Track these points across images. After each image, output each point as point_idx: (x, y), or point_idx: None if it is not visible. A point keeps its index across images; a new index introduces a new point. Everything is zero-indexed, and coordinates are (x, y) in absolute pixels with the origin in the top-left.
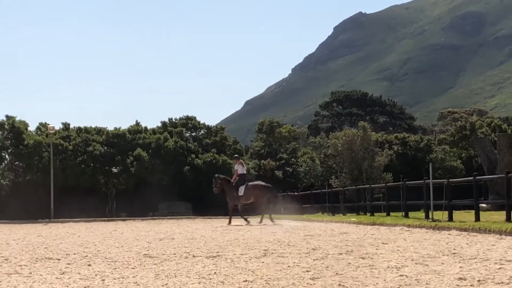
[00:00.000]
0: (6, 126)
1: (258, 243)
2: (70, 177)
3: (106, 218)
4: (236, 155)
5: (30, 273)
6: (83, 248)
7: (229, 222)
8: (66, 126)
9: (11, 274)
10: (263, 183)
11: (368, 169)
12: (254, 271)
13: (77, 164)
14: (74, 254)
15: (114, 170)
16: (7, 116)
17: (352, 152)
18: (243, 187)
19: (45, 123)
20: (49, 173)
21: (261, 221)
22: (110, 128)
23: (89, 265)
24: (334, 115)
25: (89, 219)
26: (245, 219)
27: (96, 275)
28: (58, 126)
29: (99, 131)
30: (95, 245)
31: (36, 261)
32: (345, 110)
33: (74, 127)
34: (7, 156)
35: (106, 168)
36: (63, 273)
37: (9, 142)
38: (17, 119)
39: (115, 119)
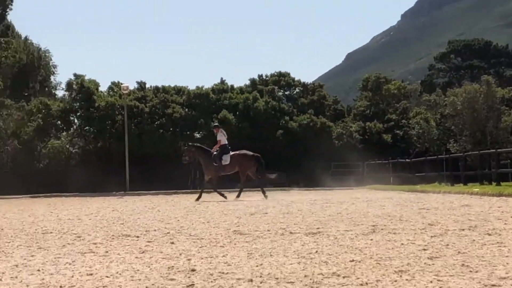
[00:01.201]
0: (74, 86)
1: (365, 218)
2: (146, 144)
3: (188, 190)
4: (216, 124)
5: (107, 252)
6: (164, 224)
7: (223, 196)
8: (141, 85)
9: (85, 253)
10: (249, 152)
11: (493, 131)
12: (362, 249)
13: (154, 129)
14: (155, 230)
15: (197, 135)
16: (75, 75)
17: (473, 112)
18: (228, 156)
19: (118, 82)
20: (123, 139)
21: (238, 195)
22: (191, 87)
23: (172, 243)
24: (452, 68)
25: (169, 192)
26: (222, 194)
27: (180, 254)
28: (132, 85)
29: (179, 90)
30: (178, 220)
31: (112, 238)
32: (464, 63)
33: (151, 86)
34: (76, 120)
35: (187, 132)
36: (143, 252)
37: (78, 104)
38: (86, 78)
39: (197, 77)
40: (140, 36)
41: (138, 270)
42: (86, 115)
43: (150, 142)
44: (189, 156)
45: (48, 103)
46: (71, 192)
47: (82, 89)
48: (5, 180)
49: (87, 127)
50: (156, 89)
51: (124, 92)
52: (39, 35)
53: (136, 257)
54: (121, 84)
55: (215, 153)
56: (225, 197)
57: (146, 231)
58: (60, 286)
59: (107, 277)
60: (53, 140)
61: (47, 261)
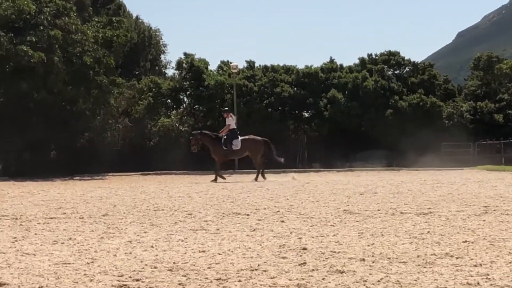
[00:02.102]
0: (184, 65)
1: (477, 199)
2: (255, 122)
3: (297, 169)
4: (226, 108)
5: (218, 229)
6: (273, 202)
7: (215, 179)
8: (250, 64)
9: (196, 230)
10: (258, 137)
11: None
12: (474, 230)
13: (263, 108)
14: (264, 209)
15: (305, 114)
16: (185, 54)
17: None
18: (238, 141)
19: (227, 61)
20: None
21: (257, 178)
22: (300, 66)
23: (282, 221)
24: None
25: (277, 170)
26: (223, 177)
27: (291, 232)
28: (241, 64)
29: (288, 70)
30: (287, 199)
31: (223, 216)
32: None
33: (260, 65)
34: (185, 99)
35: (296, 112)
36: (254, 230)
37: (187, 83)
38: (196, 57)
39: (306, 56)
40: (249, 15)
41: (249, 248)
42: (196, 93)
43: (259, 121)
44: (197, 144)
45: (158, 82)
46: (181, 170)
47: (192, 68)
48: (116, 158)
49: (196, 106)
50: (265, 68)
51: (233, 71)
52: (149, 15)
53: (247, 235)
54: (230, 63)
55: (224, 137)
56: (224, 178)
57: (256, 209)
58: (174, 263)
59: (219, 254)
60: (163, 118)
61: (159, 238)
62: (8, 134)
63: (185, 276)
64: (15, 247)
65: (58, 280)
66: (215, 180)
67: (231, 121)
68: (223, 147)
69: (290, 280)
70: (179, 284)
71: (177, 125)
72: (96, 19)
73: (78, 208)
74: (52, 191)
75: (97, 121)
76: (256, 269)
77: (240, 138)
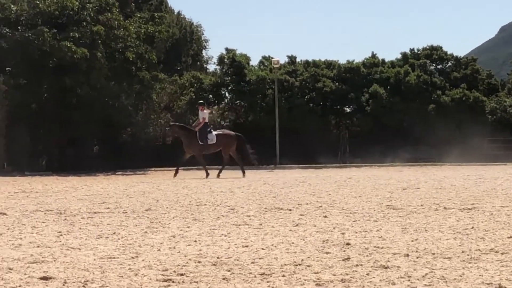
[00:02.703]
0: (226, 60)
1: None
2: (296, 118)
3: (338, 164)
4: (201, 102)
5: (260, 224)
6: (315, 197)
7: (207, 175)
8: (292, 59)
9: (239, 225)
10: (231, 132)
11: None
12: None
13: (304, 103)
14: (307, 204)
15: (347, 109)
16: (226, 49)
17: None
18: (213, 135)
19: (269, 56)
20: (273, 113)
21: (219, 173)
22: (342, 61)
23: (325, 216)
24: None
25: (318, 165)
26: (207, 171)
27: (334, 228)
28: (283, 59)
29: (329, 64)
30: (329, 194)
31: (265, 211)
32: None
33: (301, 60)
34: (227, 94)
35: (338, 107)
36: (296, 225)
37: (229, 78)
38: (237, 52)
39: (347, 51)
40: (290, 10)
41: (293, 242)
42: (237, 89)
43: (300, 116)
44: (173, 135)
45: (200, 77)
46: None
47: (233, 63)
48: (158, 152)
49: (237, 101)
50: (307, 63)
51: (275, 66)
52: (191, 10)
53: (290, 230)
54: (272, 58)
55: (197, 130)
56: (208, 174)
57: (298, 204)
58: (217, 257)
59: (262, 249)
60: None
61: (203, 232)
62: (51, 129)
63: (229, 271)
64: (60, 241)
65: (103, 274)
66: (207, 176)
67: (206, 115)
68: (199, 142)
69: (334, 275)
70: (223, 278)
71: (219, 120)
72: (138, 15)
73: (121, 203)
74: (95, 186)
75: (139, 116)
76: (299, 264)
77: (214, 132)
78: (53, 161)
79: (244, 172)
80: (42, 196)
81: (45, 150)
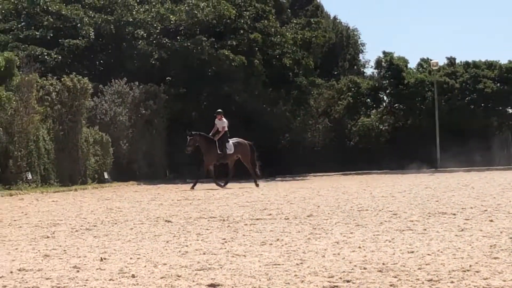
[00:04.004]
0: (383, 63)
1: None
2: (457, 120)
3: (501, 167)
4: (219, 110)
5: (425, 229)
6: (480, 201)
7: (218, 184)
8: (451, 61)
9: (403, 230)
10: (244, 140)
11: None
12: None
13: (465, 105)
14: (471, 208)
15: (509, 110)
16: (384, 53)
17: None
18: (231, 144)
19: (427, 58)
20: (433, 116)
21: (256, 183)
22: (503, 61)
23: (491, 220)
24: None
25: (481, 168)
26: (218, 184)
27: (501, 232)
28: (442, 61)
29: (490, 65)
30: (494, 197)
31: (429, 216)
32: None
33: (461, 61)
34: (385, 98)
35: (500, 108)
36: (462, 230)
37: (387, 81)
38: (395, 55)
39: (509, 51)
40: (448, 11)
41: (459, 248)
42: (396, 92)
43: (461, 118)
44: (193, 145)
45: (357, 81)
46: (381, 170)
47: (391, 66)
48: (316, 158)
49: (396, 104)
50: (467, 64)
51: (434, 68)
52: (347, 14)
53: (456, 235)
54: (430, 60)
55: (217, 140)
56: (222, 186)
57: (462, 208)
58: (383, 263)
59: (428, 254)
60: (363, 117)
61: (366, 238)
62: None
63: (395, 277)
64: (225, 248)
65: (269, 281)
66: (223, 185)
67: (225, 123)
68: (218, 151)
69: (505, 281)
70: (391, 285)
71: (377, 124)
72: (294, 21)
73: (283, 209)
74: (256, 192)
75: (297, 122)
76: (468, 270)
77: (231, 141)
78: (214, 167)
79: (257, 183)
80: (204, 203)
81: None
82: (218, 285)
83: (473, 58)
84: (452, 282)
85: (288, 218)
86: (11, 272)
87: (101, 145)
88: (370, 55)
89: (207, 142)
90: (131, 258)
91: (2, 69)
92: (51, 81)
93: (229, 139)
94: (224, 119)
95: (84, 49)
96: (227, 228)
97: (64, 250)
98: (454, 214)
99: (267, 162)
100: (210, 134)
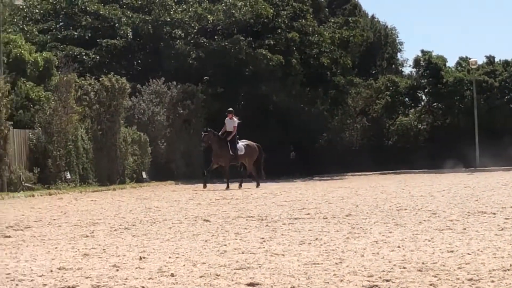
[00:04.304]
0: (421, 62)
1: None
2: (496, 119)
3: None
4: (230, 109)
5: (464, 228)
6: None
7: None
8: (490, 59)
9: (442, 230)
10: (254, 143)
11: None
12: None
13: (504, 103)
14: (511, 207)
15: None
16: (422, 52)
17: None
18: (241, 146)
19: (466, 57)
20: (471, 115)
21: (258, 184)
22: None
23: None
24: None
25: None
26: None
27: None
28: (480, 60)
29: None
30: None
31: (468, 215)
32: None
33: (500, 60)
34: (423, 97)
35: None
36: (502, 229)
37: (425, 80)
38: (433, 54)
39: None
40: (487, 9)
41: (499, 247)
42: (434, 91)
43: (501, 117)
44: (207, 142)
45: (395, 80)
46: (420, 169)
47: (429, 65)
48: (354, 157)
49: (435, 104)
50: (506, 63)
51: (473, 67)
52: (385, 13)
53: (496, 234)
54: (469, 59)
55: (229, 141)
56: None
57: (502, 207)
58: (422, 263)
59: (468, 254)
60: (401, 117)
61: (405, 238)
62: (248, 136)
63: (435, 276)
64: (264, 247)
65: (308, 280)
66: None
67: (236, 123)
68: (230, 152)
69: None
70: (430, 284)
71: (415, 123)
72: (332, 20)
73: (321, 208)
74: (293, 191)
75: (335, 122)
76: (508, 269)
77: (240, 143)
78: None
79: (258, 184)
80: (242, 203)
81: None
82: (257, 284)
83: None
84: (492, 281)
85: (326, 218)
86: (51, 270)
87: (139, 145)
88: (408, 54)
89: (220, 142)
90: (170, 257)
91: (41, 69)
92: (90, 81)
93: (238, 141)
94: (235, 118)
95: (122, 49)
96: (265, 227)
97: (103, 249)
98: (494, 213)
99: (305, 162)
100: (220, 133)
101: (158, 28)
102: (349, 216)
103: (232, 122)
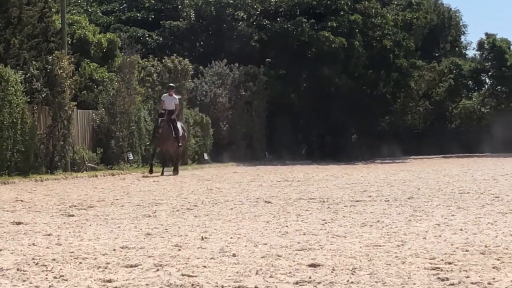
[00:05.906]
0: (485, 45)
1: None
2: None
3: None
4: (171, 84)
5: None
6: None
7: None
8: None
9: (505, 213)
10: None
11: None
12: None
13: None
14: None
15: None
16: (486, 34)
17: None
18: (180, 125)
19: None
20: None
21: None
22: None
23: None
24: None
25: None
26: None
27: None
28: None
29: None
30: None
31: None
32: None
33: None
34: (487, 80)
35: None
36: None
37: (489, 63)
38: (498, 37)
39: None
40: None
41: None
42: (498, 74)
43: None
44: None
45: (459, 63)
46: (483, 153)
47: (493, 48)
48: (416, 140)
49: (498, 87)
50: None
51: None
52: None
53: None
54: None
55: (171, 121)
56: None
57: None
58: (485, 246)
59: None
60: (465, 100)
61: (468, 221)
62: (310, 118)
63: (498, 259)
64: (325, 229)
65: (370, 262)
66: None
67: (177, 101)
68: (173, 134)
69: None
70: (493, 267)
71: (479, 107)
72: (395, 2)
73: (383, 191)
74: (355, 174)
75: (397, 105)
76: None
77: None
78: (313, 149)
79: (163, 172)
80: (304, 185)
81: (305, 139)
82: (319, 265)
83: None
84: None
85: (388, 200)
86: (114, 249)
87: (201, 126)
88: (472, 37)
89: (166, 123)
90: (231, 238)
91: (104, 50)
92: (152, 62)
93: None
94: (174, 95)
95: (184, 31)
96: (327, 209)
97: (166, 229)
98: None
99: (367, 145)
100: (159, 112)
101: (221, 9)
102: (411, 199)
103: (173, 99)
